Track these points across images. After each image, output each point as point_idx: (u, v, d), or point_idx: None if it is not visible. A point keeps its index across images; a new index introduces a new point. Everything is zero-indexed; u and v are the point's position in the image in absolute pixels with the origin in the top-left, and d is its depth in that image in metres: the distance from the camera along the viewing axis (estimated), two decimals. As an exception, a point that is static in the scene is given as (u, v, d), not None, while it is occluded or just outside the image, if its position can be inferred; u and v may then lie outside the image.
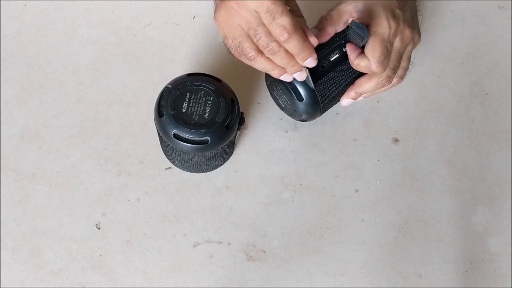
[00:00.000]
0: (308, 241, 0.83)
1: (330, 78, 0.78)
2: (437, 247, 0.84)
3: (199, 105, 0.75)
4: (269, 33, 0.70)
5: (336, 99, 0.81)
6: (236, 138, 0.81)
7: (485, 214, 0.86)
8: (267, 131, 0.88)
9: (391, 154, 0.88)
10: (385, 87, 0.80)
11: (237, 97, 0.78)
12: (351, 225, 0.84)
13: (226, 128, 0.75)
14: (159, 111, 0.75)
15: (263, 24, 0.69)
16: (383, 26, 0.76)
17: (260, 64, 0.74)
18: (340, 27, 0.79)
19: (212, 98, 0.75)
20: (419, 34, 0.81)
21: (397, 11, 0.78)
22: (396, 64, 0.78)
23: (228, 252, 0.82)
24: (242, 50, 0.73)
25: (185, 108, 0.74)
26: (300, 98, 0.78)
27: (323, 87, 0.78)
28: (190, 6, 0.93)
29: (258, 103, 0.89)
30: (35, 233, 0.81)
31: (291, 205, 0.84)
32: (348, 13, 0.79)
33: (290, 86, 0.78)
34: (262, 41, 0.70)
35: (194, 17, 0.93)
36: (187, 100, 0.75)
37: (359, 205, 0.85)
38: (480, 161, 0.88)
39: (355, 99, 0.81)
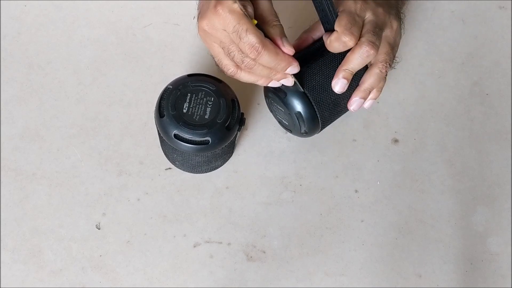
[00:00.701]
0: (308, 241, 0.83)
1: (317, 75, 0.77)
2: (437, 247, 0.84)
3: (200, 105, 0.75)
4: (240, 50, 0.70)
5: (333, 104, 0.79)
6: (236, 138, 0.81)
7: (485, 214, 0.86)
8: (267, 132, 0.88)
9: (391, 154, 0.88)
10: (375, 78, 0.77)
11: (238, 97, 0.78)
12: (351, 226, 0.84)
13: (227, 128, 0.75)
14: (160, 112, 0.75)
15: (234, 43, 0.70)
16: (349, 3, 0.75)
17: (243, 78, 0.73)
18: (316, 36, 0.79)
19: (212, 98, 0.75)
20: (399, 25, 0.79)
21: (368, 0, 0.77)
22: (376, 30, 0.75)
23: (228, 252, 0.82)
24: (222, 68, 0.73)
25: (186, 108, 0.74)
26: (295, 109, 0.77)
27: (311, 86, 0.77)
28: (190, 6, 0.93)
29: (258, 104, 0.89)
30: (35, 233, 0.81)
31: (291, 206, 0.84)
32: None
33: (283, 98, 0.77)
34: (237, 58, 0.70)
35: (194, 17, 0.92)
36: (188, 100, 0.75)
37: (359, 205, 0.85)
38: (480, 161, 0.88)
39: (347, 79, 0.76)
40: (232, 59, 0.71)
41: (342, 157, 0.87)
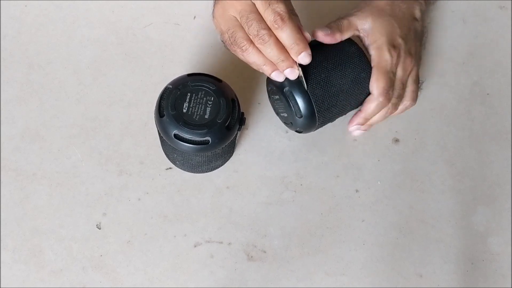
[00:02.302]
0: (309, 241, 0.83)
1: (325, 80, 0.78)
2: (438, 247, 0.84)
3: (200, 105, 0.75)
4: (260, 20, 0.70)
5: (335, 108, 0.80)
6: (236, 138, 0.81)
7: (486, 214, 0.86)
8: (268, 131, 0.88)
9: (391, 154, 0.88)
10: (397, 112, 0.84)
11: (238, 97, 0.77)
12: (351, 225, 0.84)
13: (227, 128, 0.75)
14: (160, 112, 0.75)
15: (256, 12, 0.70)
16: (385, 58, 0.79)
17: (252, 57, 0.73)
18: (345, 37, 0.80)
19: (212, 98, 0.75)
20: (420, 57, 0.84)
21: (399, 40, 0.81)
22: (400, 92, 0.82)
23: (229, 252, 0.82)
24: (235, 41, 0.73)
25: (186, 108, 0.74)
26: (296, 109, 0.77)
27: (317, 88, 0.77)
28: (191, 6, 0.93)
29: (258, 103, 0.89)
30: (35, 233, 0.81)
31: (291, 205, 0.84)
32: (355, 27, 0.81)
33: (284, 92, 0.77)
34: (253, 28, 0.70)
35: (195, 17, 0.93)
36: (187, 100, 0.75)
37: (360, 205, 0.85)
38: (480, 161, 0.88)
39: (362, 124, 0.84)
40: (247, 30, 0.71)
41: (343, 157, 0.87)
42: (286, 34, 0.70)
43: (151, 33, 0.92)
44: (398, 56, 0.80)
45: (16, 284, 0.79)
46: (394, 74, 0.81)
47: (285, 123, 0.84)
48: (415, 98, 0.84)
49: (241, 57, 0.75)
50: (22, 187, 0.83)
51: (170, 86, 0.76)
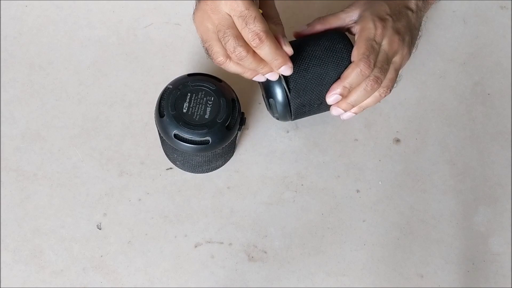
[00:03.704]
0: (310, 241, 0.83)
1: (304, 75, 0.77)
2: (439, 247, 0.84)
3: (200, 105, 0.75)
4: (237, 36, 0.69)
5: (313, 93, 0.79)
6: (237, 138, 0.80)
7: (487, 215, 0.86)
8: (268, 131, 0.88)
9: (392, 154, 0.88)
10: (372, 100, 0.78)
11: (238, 97, 0.78)
12: (352, 226, 0.84)
13: (227, 128, 0.75)
14: (160, 112, 0.75)
15: (233, 27, 0.69)
16: (368, 26, 0.77)
17: (231, 68, 0.73)
18: (328, 27, 0.80)
19: (212, 98, 0.75)
20: (409, 50, 0.80)
21: (386, 16, 0.78)
22: (384, 65, 0.77)
23: (229, 252, 0.82)
24: (212, 55, 0.73)
25: (186, 108, 0.74)
26: (270, 95, 0.78)
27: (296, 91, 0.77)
28: (191, 6, 0.93)
29: (259, 103, 0.89)
30: (36, 233, 0.81)
31: (292, 206, 0.84)
32: (342, 20, 0.80)
33: (264, 87, 0.79)
34: (230, 45, 0.69)
35: (195, 17, 0.93)
36: (187, 100, 0.75)
37: (361, 205, 0.85)
38: (481, 161, 0.88)
39: (342, 95, 0.77)
40: (224, 45, 0.70)
41: (344, 157, 0.87)
42: (264, 52, 0.70)
43: (152, 33, 0.92)
44: (384, 28, 0.77)
45: (17, 285, 0.79)
46: (378, 44, 0.77)
47: (267, 108, 0.84)
48: (390, 87, 0.79)
49: (220, 66, 0.74)
50: (22, 188, 0.83)
51: (170, 86, 0.76)
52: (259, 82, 0.83)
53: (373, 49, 0.76)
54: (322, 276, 0.82)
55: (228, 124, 0.75)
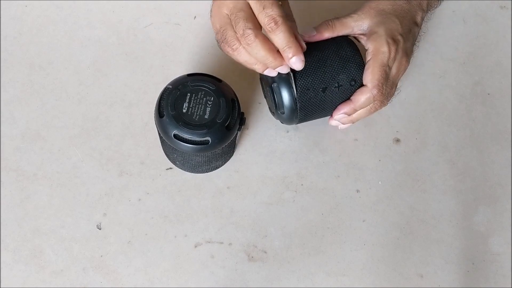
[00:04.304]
0: (309, 241, 0.83)
1: (319, 105, 0.79)
2: (439, 247, 0.84)
3: (200, 105, 0.75)
4: (247, 19, 0.69)
5: (318, 115, 0.81)
6: (237, 138, 0.80)
7: (487, 214, 0.86)
8: (268, 131, 0.88)
9: (392, 154, 0.88)
10: (370, 112, 0.82)
11: (238, 97, 0.77)
12: (352, 226, 0.84)
13: (227, 128, 0.75)
14: (160, 112, 0.75)
15: (245, 10, 0.69)
16: (383, 50, 0.77)
17: (243, 56, 0.72)
18: (336, 35, 0.80)
19: (212, 98, 0.75)
20: (409, 63, 0.81)
21: (399, 37, 0.78)
22: (389, 91, 0.79)
23: (229, 252, 0.82)
24: (226, 39, 0.72)
25: (186, 108, 0.74)
26: (281, 110, 0.78)
27: (306, 107, 0.78)
28: (191, 6, 0.93)
29: (259, 103, 0.89)
30: (36, 233, 0.81)
31: (292, 206, 0.84)
32: (351, 28, 0.80)
33: (271, 86, 0.78)
34: (239, 27, 0.69)
35: (195, 17, 0.93)
36: (187, 100, 0.75)
37: (361, 205, 0.85)
38: (481, 161, 0.88)
39: (349, 115, 0.81)
40: (235, 29, 0.70)
41: (344, 157, 0.87)
42: (278, 38, 0.69)
43: (152, 33, 0.92)
44: (396, 52, 0.78)
45: (17, 285, 0.79)
46: (390, 69, 0.78)
47: (270, 109, 0.85)
48: (388, 101, 0.82)
49: (232, 56, 0.73)
50: (22, 188, 0.83)
51: (170, 86, 0.76)
52: (261, 84, 0.83)
53: (387, 76, 0.78)
54: (322, 276, 0.82)
55: (228, 124, 0.75)
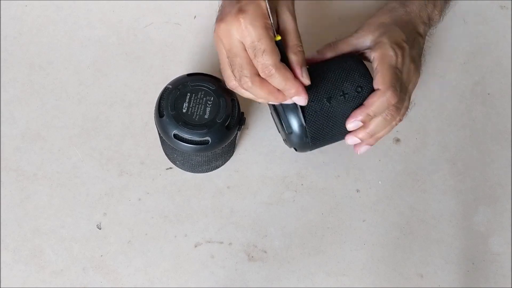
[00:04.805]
0: (309, 241, 0.83)
1: (326, 117, 0.75)
2: (439, 247, 0.84)
3: (200, 105, 0.75)
4: (243, 66, 0.67)
5: (331, 134, 0.77)
6: (237, 138, 0.80)
7: (487, 214, 0.86)
8: (268, 131, 0.88)
9: (392, 154, 0.88)
10: (388, 129, 0.77)
11: (238, 97, 0.77)
12: (352, 225, 0.84)
13: (227, 128, 0.75)
14: (160, 112, 0.75)
15: (241, 56, 0.67)
16: (389, 54, 0.74)
17: (243, 94, 0.72)
18: (340, 53, 0.78)
19: (212, 98, 0.75)
20: (419, 74, 0.79)
21: (404, 44, 0.76)
22: (403, 96, 0.75)
23: (229, 252, 0.82)
24: (224, 77, 0.71)
25: (186, 108, 0.74)
26: (289, 130, 0.75)
27: (314, 121, 0.75)
28: (191, 6, 0.93)
29: (259, 103, 0.89)
30: (36, 233, 0.81)
31: (292, 205, 0.84)
32: (354, 46, 0.78)
33: (280, 116, 0.76)
34: (236, 73, 0.68)
35: (195, 17, 0.93)
36: (187, 100, 0.75)
37: (361, 205, 0.85)
38: (481, 161, 0.88)
39: (364, 122, 0.74)
40: (232, 72, 0.69)
41: (344, 156, 0.87)
42: (275, 83, 0.68)
43: (152, 33, 0.92)
44: (403, 57, 0.75)
45: (17, 285, 0.79)
46: (400, 72, 0.74)
47: (284, 140, 0.83)
48: (404, 115, 0.77)
49: None
50: (22, 187, 0.83)
51: (170, 86, 0.76)
52: (272, 114, 0.82)
53: (398, 77, 0.74)
54: (322, 276, 0.82)
55: (227, 124, 0.75)
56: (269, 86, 0.69)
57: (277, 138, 0.87)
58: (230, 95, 0.76)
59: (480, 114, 0.90)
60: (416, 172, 0.87)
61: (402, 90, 0.75)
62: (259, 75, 0.68)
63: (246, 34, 0.65)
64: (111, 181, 0.84)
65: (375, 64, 0.75)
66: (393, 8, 0.81)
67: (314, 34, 0.88)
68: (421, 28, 0.81)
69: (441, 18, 0.86)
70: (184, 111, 0.74)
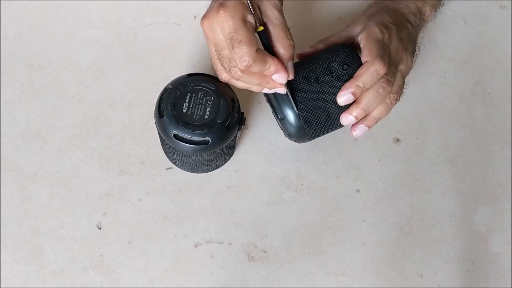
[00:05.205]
0: (309, 241, 0.83)
1: (316, 97, 0.75)
2: (439, 247, 0.84)
3: (200, 105, 0.75)
4: (230, 58, 0.69)
5: (324, 116, 0.77)
6: (237, 138, 0.80)
7: (487, 214, 0.86)
8: (268, 131, 0.88)
9: (392, 154, 0.88)
10: (384, 108, 0.77)
11: (238, 97, 0.77)
12: (352, 225, 0.84)
13: (227, 128, 0.75)
14: (160, 112, 0.75)
15: (226, 48, 0.68)
16: (375, 31, 0.75)
17: (237, 84, 0.73)
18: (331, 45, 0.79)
19: (212, 98, 0.75)
20: (412, 61, 0.79)
21: (390, 25, 0.77)
22: (393, 69, 0.75)
23: (229, 252, 0.82)
24: (216, 71, 0.73)
25: (186, 108, 0.74)
26: (281, 115, 0.77)
27: (304, 103, 0.75)
28: (191, 6, 0.93)
29: (259, 103, 0.89)
30: (36, 233, 0.81)
31: (292, 205, 0.84)
32: (345, 38, 0.79)
33: (272, 104, 0.77)
34: (226, 65, 0.70)
35: (195, 16, 0.93)
36: (187, 100, 0.75)
37: (361, 205, 0.85)
38: (481, 161, 0.88)
39: (354, 94, 0.74)
40: (222, 65, 0.71)
41: (344, 156, 0.87)
42: (255, 70, 0.69)
43: (152, 33, 0.92)
44: (390, 36, 0.75)
45: (17, 285, 0.79)
46: (388, 47, 0.75)
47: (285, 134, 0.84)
48: (399, 94, 0.77)
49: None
50: (22, 187, 0.83)
51: (170, 86, 0.76)
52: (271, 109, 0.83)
53: (385, 50, 0.74)
54: (322, 276, 0.82)
55: (227, 124, 0.75)
56: (259, 72, 0.70)
57: (277, 138, 0.87)
58: (230, 95, 0.76)
59: (480, 114, 0.90)
60: (416, 172, 0.87)
61: (392, 64, 0.75)
62: None
63: (225, 25, 0.67)
64: (111, 181, 0.84)
65: (362, 43, 0.75)
66: (381, 2, 0.83)
67: (314, 34, 0.89)
68: (410, 18, 0.81)
69: (435, 14, 0.86)
70: (184, 111, 0.74)
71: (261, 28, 0.70)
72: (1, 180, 0.83)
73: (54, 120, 0.86)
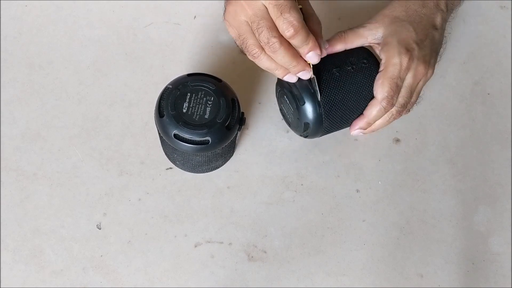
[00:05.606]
0: (309, 241, 0.83)
1: (337, 87, 0.77)
2: (439, 247, 0.84)
3: (200, 105, 0.75)
4: (271, 27, 0.69)
5: (343, 105, 0.79)
6: (237, 138, 0.80)
7: (487, 214, 0.86)
8: (268, 131, 0.88)
9: (392, 154, 0.88)
10: (389, 121, 0.82)
11: (238, 97, 0.77)
12: (352, 225, 0.84)
13: (227, 128, 0.75)
14: (160, 112, 0.75)
15: (267, 18, 0.68)
16: (394, 61, 0.77)
17: (264, 63, 0.73)
18: (350, 47, 0.80)
19: (212, 98, 0.75)
20: (433, 69, 0.81)
21: (413, 45, 0.78)
22: (406, 100, 0.79)
23: (229, 252, 0.82)
24: (246, 48, 0.72)
25: (186, 108, 0.74)
26: (301, 102, 0.77)
27: (325, 89, 0.77)
28: (191, 6, 0.93)
29: (259, 103, 0.89)
30: (36, 233, 0.81)
31: (292, 205, 0.84)
32: (365, 38, 0.80)
33: (292, 91, 0.78)
34: (263, 36, 0.69)
35: (195, 16, 0.93)
36: (187, 100, 0.75)
37: (361, 205, 0.85)
38: (481, 161, 0.88)
39: (365, 129, 0.81)
40: (258, 37, 0.70)
41: (344, 156, 0.87)
42: (296, 42, 0.69)
43: (152, 33, 0.92)
44: (410, 61, 0.77)
45: (17, 285, 0.79)
46: (402, 80, 0.78)
47: (290, 125, 0.84)
48: (410, 109, 0.82)
49: (254, 61, 0.73)
50: (22, 187, 0.83)
51: (170, 86, 0.76)
52: (278, 94, 0.83)
53: (397, 87, 0.77)
54: (322, 276, 0.82)
55: (228, 124, 0.75)
56: (293, 50, 0.71)
57: (277, 138, 0.87)
58: (231, 95, 0.76)
59: (480, 114, 0.90)
60: (416, 172, 0.87)
61: (406, 96, 0.79)
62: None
63: None
64: (111, 181, 0.84)
65: (380, 68, 0.78)
66: (406, 4, 0.82)
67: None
68: (438, 19, 0.82)
69: (461, 2, 0.88)
70: (184, 111, 0.74)
71: (300, 6, 0.70)
72: (1, 180, 0.83)
73: (54, 120, 0.86)
